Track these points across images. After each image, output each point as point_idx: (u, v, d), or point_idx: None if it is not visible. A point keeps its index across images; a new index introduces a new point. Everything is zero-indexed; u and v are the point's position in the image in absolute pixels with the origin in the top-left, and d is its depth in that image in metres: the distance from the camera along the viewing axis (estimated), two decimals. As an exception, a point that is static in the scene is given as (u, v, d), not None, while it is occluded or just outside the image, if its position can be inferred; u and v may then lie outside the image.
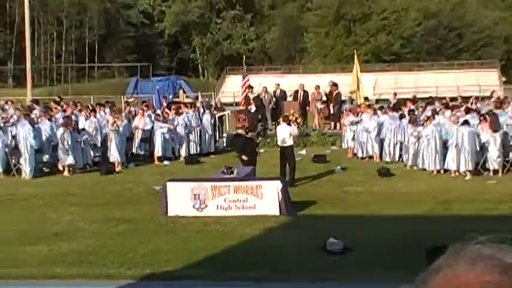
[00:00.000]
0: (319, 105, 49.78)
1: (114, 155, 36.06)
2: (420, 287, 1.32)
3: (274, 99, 48.99)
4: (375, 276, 16.37)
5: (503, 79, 75.99)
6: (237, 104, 50.32)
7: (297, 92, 50.08)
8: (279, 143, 30.33)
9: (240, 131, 30.88)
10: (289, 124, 31.87)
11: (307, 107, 49.87)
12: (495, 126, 32.69)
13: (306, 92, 50.51)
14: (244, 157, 29.11)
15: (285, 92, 50.27)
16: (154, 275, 18.92)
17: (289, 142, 30.20)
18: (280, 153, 29.66)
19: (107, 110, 39.93)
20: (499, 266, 1.22)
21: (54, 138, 35.66)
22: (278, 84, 51.65)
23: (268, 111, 48.22)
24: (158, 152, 38.15)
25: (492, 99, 43.62)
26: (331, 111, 48.19)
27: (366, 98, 47.51)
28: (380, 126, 37.92)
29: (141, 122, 38.63)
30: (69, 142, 34.86)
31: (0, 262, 20.47)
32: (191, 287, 18.13)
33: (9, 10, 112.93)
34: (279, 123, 33.63)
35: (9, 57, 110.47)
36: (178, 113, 40.44)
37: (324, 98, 50.49)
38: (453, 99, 43.38)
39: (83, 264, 20.04)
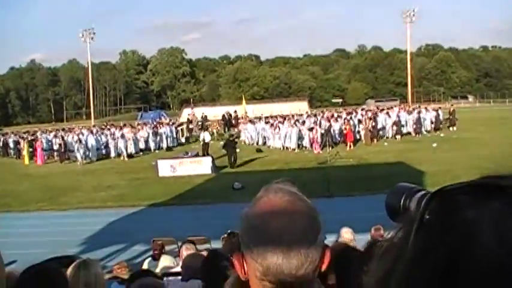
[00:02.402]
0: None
1: (132, 148, 35.56)
2: (251, 208, 1.31)
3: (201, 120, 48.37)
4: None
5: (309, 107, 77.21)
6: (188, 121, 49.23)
7: (223, 116, 49.47)
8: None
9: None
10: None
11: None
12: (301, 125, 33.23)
13: (224, 116, 49.90)
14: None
15: (207, 116, 49.87)
16: (154, 203, 18.90)
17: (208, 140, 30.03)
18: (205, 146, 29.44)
19: (127, 128, 39.28)
20: (289, 192, 1.30)
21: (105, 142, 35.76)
22: (203, 113, 50.73)
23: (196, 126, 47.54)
24: (153, 146, 37.71)
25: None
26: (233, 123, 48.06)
27: (248, 116, 47.53)
28: (256, 129, 38.07)
29: (144, 133, 38.21)
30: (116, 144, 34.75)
31: (82, 201, 20.31)
32: (169, 209, 18.14)
33: (82, 83, 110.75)
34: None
35: (83, 105, 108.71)
36: (161, 127, 40.18)
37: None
38: (286, 116, 43.18)
39: (121, 201, 19.90)
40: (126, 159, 33.76)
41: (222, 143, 31.85)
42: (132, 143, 35.91)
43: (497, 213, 0.66)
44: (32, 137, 39.99)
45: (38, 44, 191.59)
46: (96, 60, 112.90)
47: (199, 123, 47.54)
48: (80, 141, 34.68)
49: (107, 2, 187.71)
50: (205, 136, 30.46)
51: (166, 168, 25.59)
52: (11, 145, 41.97)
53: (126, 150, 35.05)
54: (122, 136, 35.44)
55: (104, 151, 36.01)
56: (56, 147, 37.29)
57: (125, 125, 43.46)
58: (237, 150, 28.90)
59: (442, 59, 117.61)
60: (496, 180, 0.71)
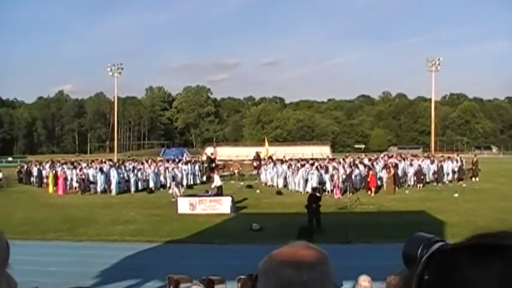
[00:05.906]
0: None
1: (152, 184, 35.80)
2: (273, 256, 1.34)
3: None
4: (274, 241, 16.29)
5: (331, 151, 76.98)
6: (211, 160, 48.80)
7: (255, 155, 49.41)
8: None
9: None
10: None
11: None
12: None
13: (255, 155, 49.52)
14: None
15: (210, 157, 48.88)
16: (171, 240, 18.80)
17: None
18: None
19: (148, 163, 39.76)
20: (306, 244, 1.33)
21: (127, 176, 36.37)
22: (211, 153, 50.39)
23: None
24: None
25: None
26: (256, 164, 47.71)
27: (270, 157, 47.30)
28: (277, 170, 37.89)
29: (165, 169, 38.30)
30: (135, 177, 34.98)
31: (100, 234, 20.28)
32: (186, 246, 17.97)
33: (108, 116, 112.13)
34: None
35: (107, 138, 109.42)
36: (183, 164, 40.38)
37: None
38: (307, 159, 43.11)
39: (139, 235, 19.84)
40: (175, 193, 31.49)
41: (242, 183, 31.68)
42: (152, 178, 36.33)
43: (498, 275, 0.63)
44: (55, 167, 40.37)
45: (67, 76, 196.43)
46: (123, 94, 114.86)
47: (206, 164, 46.58)
48: (102, 171, 35.12)
49: (136, 40, 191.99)
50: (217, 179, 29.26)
51: (185, 205, 25.46)
52: (35, 173, 42.55)
53: (182, 181, 36.64)
54: (177, 167, 37.36)
55: (124, 185, 36.07)
56: (77, 178, 37.55)
57: (147, 160, 43.40)
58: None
59: (467, 109, 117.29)
60: (495, 239, 0.69)
